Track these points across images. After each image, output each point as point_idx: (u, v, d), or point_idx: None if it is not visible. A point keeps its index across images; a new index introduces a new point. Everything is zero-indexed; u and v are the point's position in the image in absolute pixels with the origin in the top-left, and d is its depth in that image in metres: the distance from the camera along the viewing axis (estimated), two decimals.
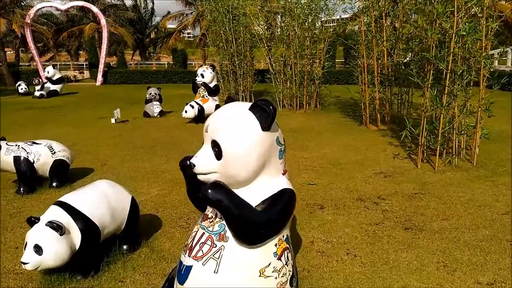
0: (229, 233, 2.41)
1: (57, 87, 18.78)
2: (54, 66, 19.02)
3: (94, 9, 24.92)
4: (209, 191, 2.33)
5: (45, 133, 9.86)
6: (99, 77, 24.67)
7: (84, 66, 31.78)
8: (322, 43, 13.24)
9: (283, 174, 2.66)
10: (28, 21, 23.33)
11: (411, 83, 9.81)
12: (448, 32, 6.02)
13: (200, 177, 2.45)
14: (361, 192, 5.58)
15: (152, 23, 45.67)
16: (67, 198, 3.56)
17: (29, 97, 18.28)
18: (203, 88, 12.33)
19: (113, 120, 11.53)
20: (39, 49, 40.65)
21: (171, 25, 40.15)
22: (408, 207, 5.08)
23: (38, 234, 3.24)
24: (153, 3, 44.28)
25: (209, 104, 11.39)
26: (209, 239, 2.49)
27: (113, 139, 9.25)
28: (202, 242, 2.50)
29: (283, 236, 2.56)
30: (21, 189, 5.55)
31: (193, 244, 2.56)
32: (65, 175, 5.91)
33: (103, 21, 24.25)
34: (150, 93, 12.49)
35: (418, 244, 4.13)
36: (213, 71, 12.39)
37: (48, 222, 3.25)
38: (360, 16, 9.57)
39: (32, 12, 23.53)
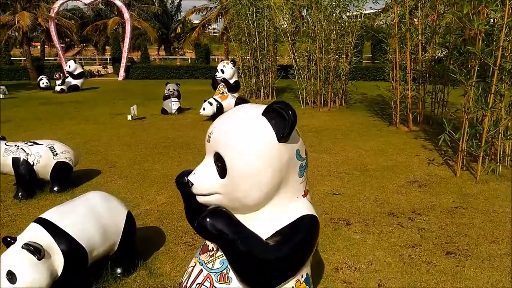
0: (232, 273, 1.90)
1: (78, 82, 18.63)
2: (75, 61, 18.87)
3: (118, 2, 24.76)
4: (207, 219, 1.85)
5: (58, 130, 9.55)
6: (121, 72, 24.52)
7: (108, 61, 31.79)
8: (350, 37, 12.47)
9: (304, 195, 2.09)
10: (52, 15, 23.36)
11: (446, 80, 8.99)
12: (498, 22, 5.24)
13: (199, 198, 1.99)
14: (393, 205, 4.91)
15: (178, 18, 45.60)
16: (49, 214, 3.06)
17: (50, 91, 18.18)
18: (223, 84, 11.80)
19: (129, 117, 11.14)
20: (66, 43, 41.24)
21: (196, 20, 39.94)
22: (449, 225, 4.38)
23: (13, 258, 2.75)
24: None
25: (229, 101, 10.83)
26: (208, 279, 1.96)
27: (127, 137, 8.82)
28: (199, 283, 1.97)
29: (302, 276, 2.01)
30: (19, 193, 5.14)
31: (188, 285, 2.03)
32: (68, 178, 5.47)
33: (126, 15, 24.05)
34: (168, 89, 12.04)
35: (464, 274, 3.46)
36: (233, 66, 11.83)
37: (25, 244, 2.75)
38: (394, 7, 8.78)
39: (56, 5, 23.56)
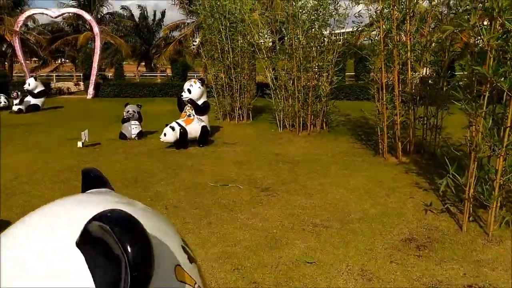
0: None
1: (38, 101, 17.09)
2: (36, 78, 17.34)
3: (87, 16, 23.40)
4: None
5: None
6: (90, 90, 23.02)
7: (81, 78, 30.23)
8: (331, 54, 11.35)
9: None
10: (17, 29, 21.86)
11: (440, 103, 7.86)
12: None
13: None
14: (385, 283, 3.60)
15: (160, 34, 44.18)
16: None
17: (8, 111, 16.59)
18: (190, 105, 10.52)
19: (79, 144, 9.70)
20: (43, 59, 39.50)
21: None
22: None
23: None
24: (162, 14, 43.01)
25: (194, 126, 9.51)
26: None
27: (67, 172, 7.39)
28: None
29: None
30: None
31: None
32: None
33: (95, 29, 22.70)
34: (128, 111, 10.65)
35: None
36: (201, 85, 10.57)
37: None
38: (379, 21, 7.66)
39: (21, 19, 22.09)
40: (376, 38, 8.28)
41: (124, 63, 54.74)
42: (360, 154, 8.60)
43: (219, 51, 13.60)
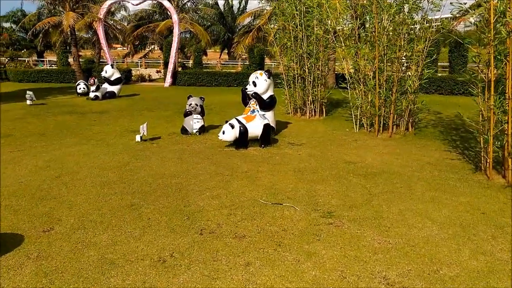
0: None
1: (114, 89, 17.30)
2: (112, 65, 17.53)
3: (166, 3, 23.37)
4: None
5: (43, 155, 7.76)
6: (168, 78, 23.08)
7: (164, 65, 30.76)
8: (422, 43, 9.56)
9: None
10: (101, 16, 22.49)
11: None
12: None
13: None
14: None
15: (243, 22, 43.72)
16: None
17: (85, 98, 16.98)
18: (254, 100, 9.50)
19: (138, 138, 9.18)
20: (137, 45, 41.16)
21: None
22: None
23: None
24: (246, 2, 42.51)
25: (255, 124, 8.48)
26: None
27: (113, 171, 6.80)
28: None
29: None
30: None
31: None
32: None
33: (174, 17, 22.60)
34: (190, 104, 9.92)
35: None
36: (268, 78, 9.48)
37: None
38: (489, 1, 5.91)
39: (104, 6, 22.67)
40: (483, 23, 6.51)
41: (210, 50, 55.54)
42: (455, 169, 6.91)
43: (292, 39, 12.37)
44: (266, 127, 8.54)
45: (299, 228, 4.56)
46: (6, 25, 40.02)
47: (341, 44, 10.67)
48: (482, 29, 6.60)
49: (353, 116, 10.59)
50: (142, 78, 26.92)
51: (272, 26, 14.96)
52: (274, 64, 36.24)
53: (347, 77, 10.58)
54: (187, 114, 10.08)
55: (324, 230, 4.50)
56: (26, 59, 34.27)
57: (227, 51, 49.44)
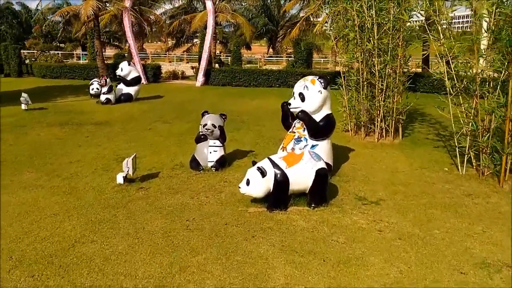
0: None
1: (131, 90, 14.34)
2: (129, 63, 14.52)
3: None
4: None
5: None
6: (200, 77, 19.95)
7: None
8: None
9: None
10: (127, 5, 19.73)
11: None
12: None
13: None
14: None
15: (289, 13, 39.71)
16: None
17: (97, 100, 14.15)
18: (301, 122, 6.09)
19: (119, 179, 5.99)
20: (179, 39, 38.53)
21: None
22: None
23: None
24: None
25: (302, 170, 5.01)
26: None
27: (60, 249, 3.62)
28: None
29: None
30: None
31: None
32: None
33: (208, 4, 19.41)
34: (205, 124, 6.62)
35: None
36: (324, 88, 5.98)
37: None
38: None
39: None
40: None
41: (255, 44, 51.94)
42: None
43: (357, 28, 8.74)
44: (321, 175, 5.03)
45: None
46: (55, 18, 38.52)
47: (440, 36, 6.87)
48: None
49: (456, 145, 6.83)
50: (174, 75, 24.04)
51: (327, 11, 11.25)
52: (323, 60, 32.40)
53: (447, 85, 6.80)
54: (200, 139, 6.78)
55: None
56: (56, 52, 32.33)
57: (271, 46, 45.84)
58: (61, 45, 41.99)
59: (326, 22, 12.33)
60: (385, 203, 5.30)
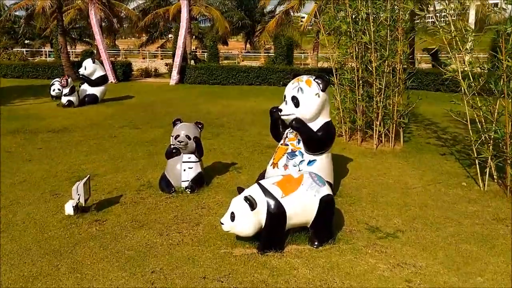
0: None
1: (96, 91, 12.93)
2: (94, 60, 13.10)
3: None
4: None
5: None
6: (174, 74, 18.58)
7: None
8: None
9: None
10: None
11: None
12: None
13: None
14: None
15: (267, 8, 38.39)
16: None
17: (58, 102, 12.67)
18: (294, 131, 4.98)
19: (68, 209, 4.72)
20: (152, 35, 36.73)
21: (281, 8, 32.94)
22: None
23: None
24: None
25: (302, 198, 3.87)
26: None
27: None
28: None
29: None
30: None
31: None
32: None
33: None
34: (177, 136, 5.41)
35: None
36: (323, 90, 4.87)
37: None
38: None
39: None
40: None
41: (232, 40, 50.55)
42: None
43: (350, 20, 7.68)
44: (327, 204, 3.92)
45: None
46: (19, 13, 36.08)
47: (450, 28, 5.85)
48: None
49: (475, 156, 5.84)
50: (146, 73, 22.57)
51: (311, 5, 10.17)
52: (303, 56, 31.38)
53: (462, 85, 5.79)
54: (172, 153, 5.57)
55: None
56: (21, 50, 30.27)
57: (249, 41, 44.56)
58: (28, 42, 39.60)
59: (315, 17, 11.26)
60: (404, 235, 4.24)
